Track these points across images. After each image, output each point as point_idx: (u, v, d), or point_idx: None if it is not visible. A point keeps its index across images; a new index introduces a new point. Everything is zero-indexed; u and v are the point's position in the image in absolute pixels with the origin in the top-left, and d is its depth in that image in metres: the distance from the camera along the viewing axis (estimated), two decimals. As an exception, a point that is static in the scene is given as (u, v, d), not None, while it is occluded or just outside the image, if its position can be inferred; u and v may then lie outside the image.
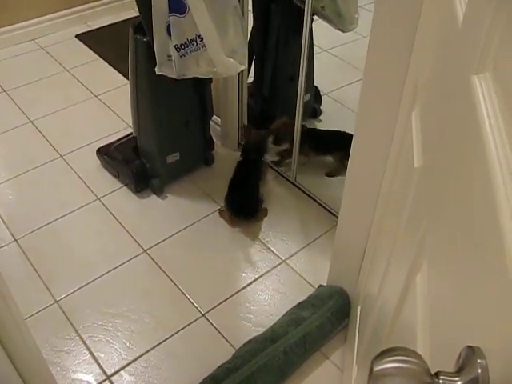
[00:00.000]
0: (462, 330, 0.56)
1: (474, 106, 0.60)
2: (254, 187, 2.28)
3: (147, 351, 1.84)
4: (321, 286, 1.96)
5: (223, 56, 1.90)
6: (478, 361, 0.44)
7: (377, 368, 0.47)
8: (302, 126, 2.30)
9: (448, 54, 0.83)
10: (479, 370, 0.43)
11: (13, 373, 1.01)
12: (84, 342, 1.86)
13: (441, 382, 0.46)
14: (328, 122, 2.77)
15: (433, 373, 0.48)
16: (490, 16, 0.60)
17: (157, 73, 1.99)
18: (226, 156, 2.61)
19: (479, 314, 0.52)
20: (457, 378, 0.46)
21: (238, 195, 2.25)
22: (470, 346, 0.47)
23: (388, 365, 0.47)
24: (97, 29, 3.63)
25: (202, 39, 1.86)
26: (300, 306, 1.87)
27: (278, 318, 1.87)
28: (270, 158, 2.51)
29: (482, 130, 0.56)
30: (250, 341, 1.77)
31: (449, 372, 0.47)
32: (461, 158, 0.66)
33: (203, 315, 1.94)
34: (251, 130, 2.42)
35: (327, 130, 2.52)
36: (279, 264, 2.12)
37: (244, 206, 2.26)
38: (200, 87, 2.27)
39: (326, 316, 1.81)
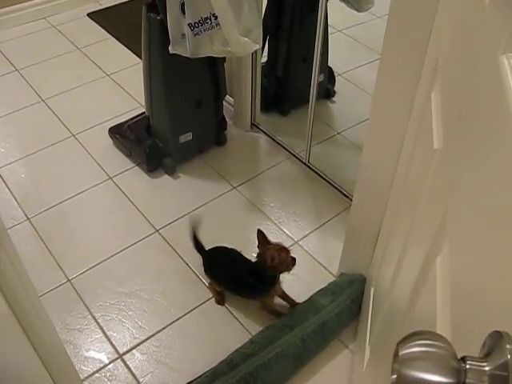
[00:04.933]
0: (487, 314, 0.56)
1: (503, 85, 0.58)
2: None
3: (159, 331, 1.85)
4: (342, 274, 1.95)
5: (238, 35, 1.88)
6: (507, 346, 0.43)
7: (403, 351, 0.46)
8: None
9: (472, 33, 0.81)
10: (508, 356, 0.42)
11: (30, 350, 1.02)
12: (96, 321, 1.87)
13: (468, 366, 0.45)
14: (341, 102, 2.75)
15: (459, 357, 0.47)
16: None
17: (170, 52, 1.98)
18: (239, 136, 2.60)
19: (505, 297, 0.51)
20: (484, 364, 0.45)
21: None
22: (497, 331, 0.46)
23: (414, 348, 0.46)
24: (109, 7, 3.61)
25: (216, 18, 1.84)
26: (320, 293, 1.86)
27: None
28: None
29: (511, 110, 0.55)
30: (268, 327, 1.76)
31: (476, 357, 0.46)
32: (486, 139, 0.64)
33: (215, 295, 1.95)
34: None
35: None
36: (292, 245, 2.11)
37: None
38: (213, 67, 2.26)
39: (346, 304, 1.81)
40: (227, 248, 1.93)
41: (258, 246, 1.81)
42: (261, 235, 1.80)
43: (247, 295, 1.88)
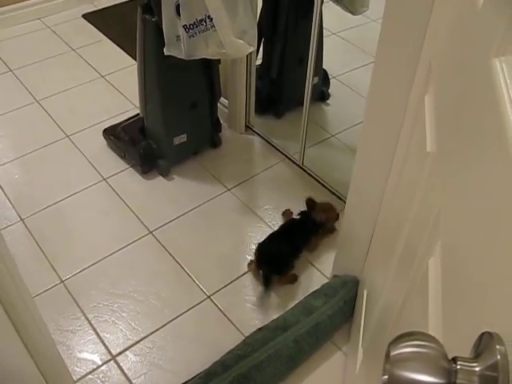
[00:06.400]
0: (478, 316, 0.56)
1: (495, 88, 0.59)
2: (292, 249, 2.02)
3: (152, 332, 1.85)
4: (335, 276, 1.95)
5: (232, 37, 1.88)
6: (497, 347, 0.43)
7: (394, 352, 0.46)
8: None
9: (465, 37, 0.82)
10: (498, 357, 0.42)
11: (23, 351, 1.02)
12: (89, 322, 1.87)
13: (458, 367, 0.45)
14: (336, 105, 2.76)
15: (450, 358, 0.47)
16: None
17: (165, 53, 1.98)
18: (233, 138, 2.60)
19: (496, 299, 0.51)
20: (475, 364, 0.45)
21: (272, 248, 2.01)
22: (488, 332, 0.46)
23: (406, 349, 0.47)
24: (103, 8, 3.60)
25: (211, 19, 1.84)
26: (313, 294, 1.86)
27: (281, 301, 1.88)
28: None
29: (503, 114, 0.55)
30: (261, 328, 1.76)
31: (466, 358, 0.46)
32: (479, 141, 0.65)
33: (209, 297, 1.94)
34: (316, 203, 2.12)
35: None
36: (285, 247, 2.11)
37: (271, 260, 1.98)
38: (208, 69, 2.26)
39: (339, 305, 1.80)
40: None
41: (307, 203, 2.11)
42: (310, 201, 2.11)
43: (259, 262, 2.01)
